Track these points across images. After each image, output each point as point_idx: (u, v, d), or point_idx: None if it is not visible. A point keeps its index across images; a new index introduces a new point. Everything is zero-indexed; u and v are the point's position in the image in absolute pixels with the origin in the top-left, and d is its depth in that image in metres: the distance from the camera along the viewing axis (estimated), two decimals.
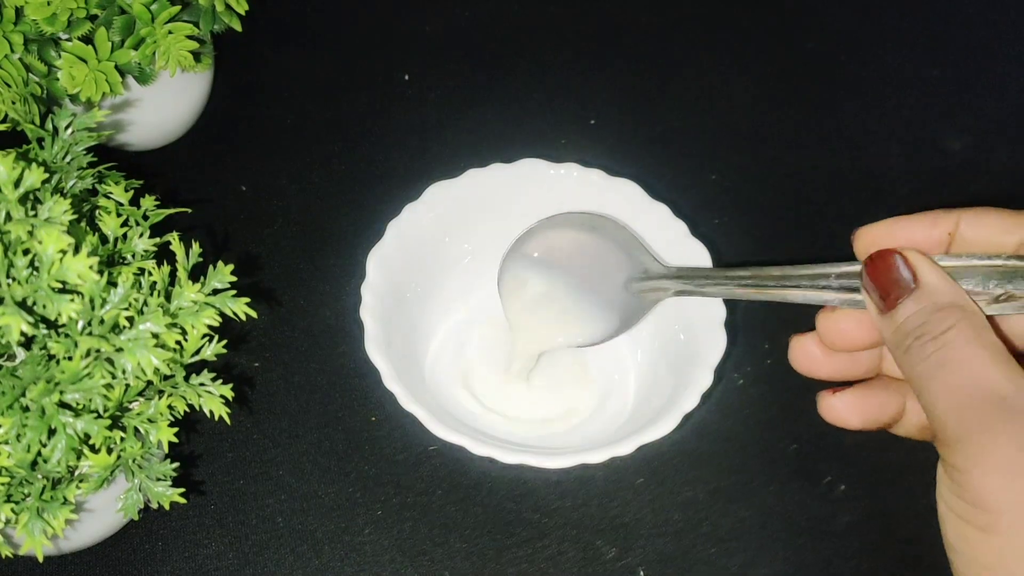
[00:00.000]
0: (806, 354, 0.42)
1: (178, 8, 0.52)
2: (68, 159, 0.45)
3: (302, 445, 0.53)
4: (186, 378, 0.43)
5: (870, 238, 0.40)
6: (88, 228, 0.44)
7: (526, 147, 0.64)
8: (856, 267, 0.39)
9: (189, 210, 0.49)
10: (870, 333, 0.40)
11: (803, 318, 0.58)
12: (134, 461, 0.42)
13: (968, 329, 0.35)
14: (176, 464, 0.44)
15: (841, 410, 0.41)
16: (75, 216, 0.41)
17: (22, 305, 0.36)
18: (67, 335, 0.38)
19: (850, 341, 0.40)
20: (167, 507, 0.43)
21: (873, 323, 0.38)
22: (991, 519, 0.33)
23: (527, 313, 0.51)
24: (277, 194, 0.61)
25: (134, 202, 0.46)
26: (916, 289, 0.37)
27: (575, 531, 0.51)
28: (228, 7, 0.54)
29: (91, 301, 0.38)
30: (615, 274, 0.50)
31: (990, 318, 0.37)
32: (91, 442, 0.39)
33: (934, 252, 0.38)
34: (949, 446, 0.34)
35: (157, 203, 0.47)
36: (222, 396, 0.43)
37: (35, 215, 0.37)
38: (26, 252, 0.37)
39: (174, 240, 0.43)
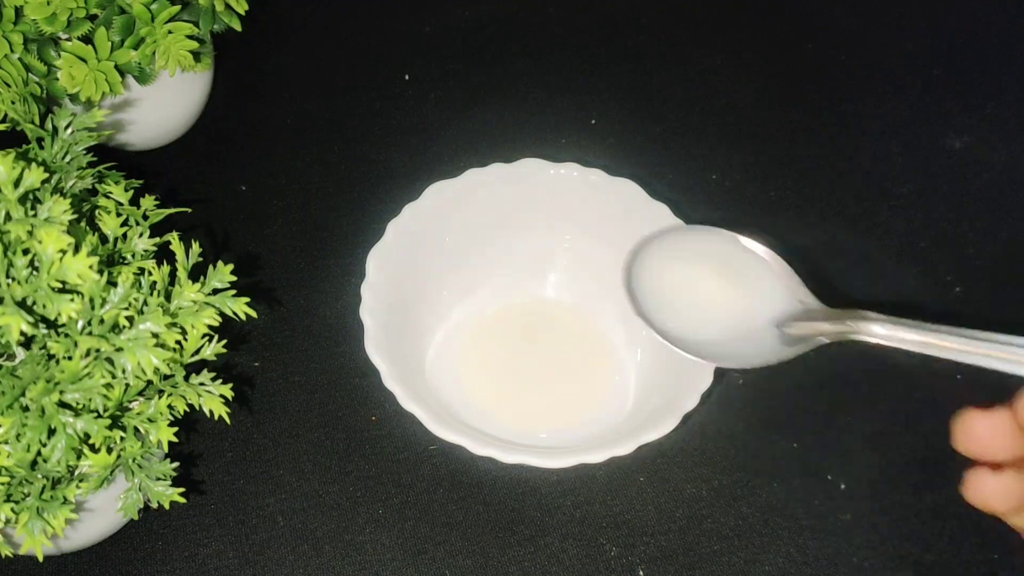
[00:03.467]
0: (988, 429, 0.35)
1: (178, 8, 0.52)
2: (68, 159, 0.45)
3: (302, 444, 0.53)
4: (186, 378, 0.43)
5: None
6: (88, 228, 0.44)
7: (526, 147, 0.64)
8: None
9: (189, 210, 0.49)
10: None
11: None
12: (134, 461, 0.42)
13: None
14: (176, 464, 0.44)
15: (997, 492, 0.34)
16: (75, 216, 0.41)
17: (22, 305, 0.36)
18: (67, 335, 0.38)
19: None
20: (167, 507, 0.43)
21: None
22: None
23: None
24: (277, 194, 0.61)
25: (134, 202, 0.46)
26: None
27: (577, 529, 0.51)
28: (228, 7, 0.54)
29: (91, 301, 0.38)
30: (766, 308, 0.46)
31: None
32: (91, 442, 0.39)
33: None
34: None
35: (157, 203, 0.47)
36: (222, 396, 0.43)
37: (35, 215, 0.37)
38: (26, 252, 0.37)
39: (174, 240, 0.43)
